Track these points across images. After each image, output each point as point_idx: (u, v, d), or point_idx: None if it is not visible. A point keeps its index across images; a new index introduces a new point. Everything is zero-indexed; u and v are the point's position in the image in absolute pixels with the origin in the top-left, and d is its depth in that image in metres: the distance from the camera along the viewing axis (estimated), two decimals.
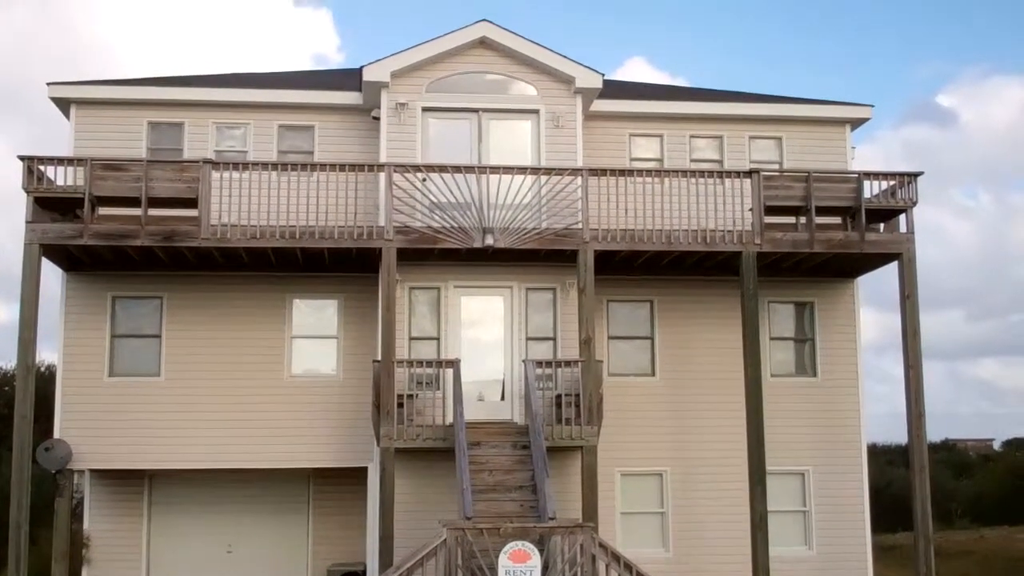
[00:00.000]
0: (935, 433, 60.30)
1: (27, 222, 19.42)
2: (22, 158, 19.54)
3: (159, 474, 22.56)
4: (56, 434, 20.96)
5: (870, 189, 21.20)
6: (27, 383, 19.10)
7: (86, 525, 22.22)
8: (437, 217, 20.19)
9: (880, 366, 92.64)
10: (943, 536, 28.21)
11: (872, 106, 23.68)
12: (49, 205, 19.98)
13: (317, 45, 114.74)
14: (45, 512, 21.57)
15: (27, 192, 19.53)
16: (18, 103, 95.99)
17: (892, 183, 21.29)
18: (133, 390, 21.32)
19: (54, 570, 20.31)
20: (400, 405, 19.57)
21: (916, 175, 21.08)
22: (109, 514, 22.33)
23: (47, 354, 34.38)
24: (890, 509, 32.32)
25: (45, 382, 26.03)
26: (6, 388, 36.88)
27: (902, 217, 21.30)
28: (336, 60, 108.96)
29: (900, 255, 20.98)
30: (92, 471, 21.91)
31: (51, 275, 21.28)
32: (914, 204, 21.04)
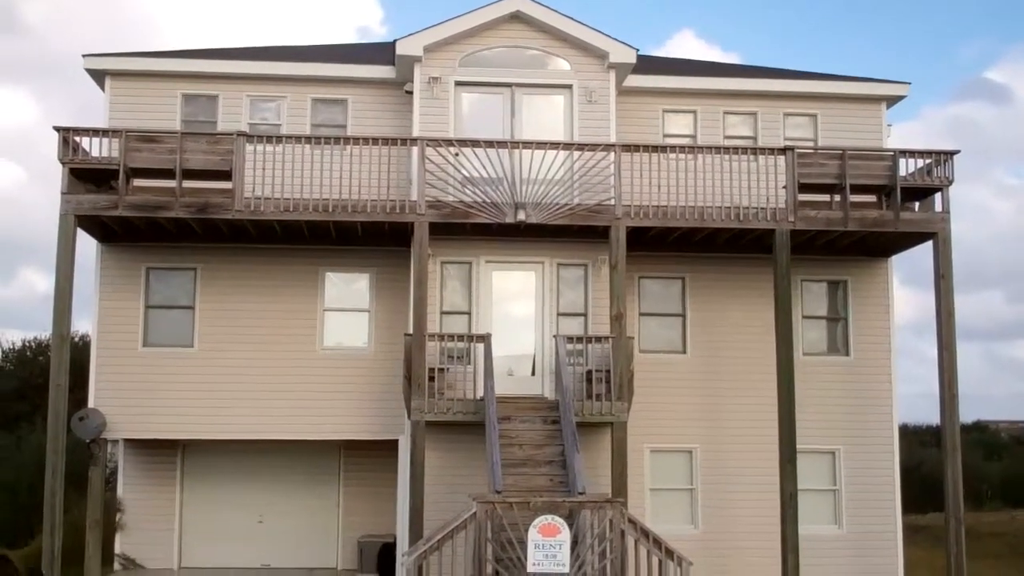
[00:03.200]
0: (968, 414, 59.83)
1: (62, 193, 19.56)
2: (57, 129, 19.65)
3: (192, 444, 22.75)
4: (90, 404, 21.17)
5: (906, 167, 21.01)
6: (62, 352, 19.27)
7: (119, 493, 22.48)
8: (469, 192, 20.18)
9: (918, 346, 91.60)
10: (974, 517, 28.06)
11: (909, 83, 23.45)
12: (84, 176, 20.11)
13: (360, 18, 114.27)
14: (79, 480, 21.81)
15: (63, 163, 19.66)
16: (60, 74, 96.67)
17: (928, 161, 21.08)
18: (167, 361, 21.49)
19: (88, 537, 20.55)
20: (431, 378, 19.64)
21: (952, 153, 20.87)
22: (142, 483, 22.58)
23: (82, 324, 34.74)
24: (921, 490, 32.20)
25: (80, 352, 26.28)
26: (41, 358, 37.28)
27: (938, 196, 21.10)
28: (379, 33, 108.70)
29: (935, 234, 20.79)
30: (125, 440, 22.14)
31: (87, 246, 21.48)
32: (950, 183, 20.84)
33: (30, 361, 38.88)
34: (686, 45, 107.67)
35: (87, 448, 21.10)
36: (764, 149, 21.13)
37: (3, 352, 40.56)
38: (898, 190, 20.62)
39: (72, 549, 20.11)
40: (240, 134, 19.96)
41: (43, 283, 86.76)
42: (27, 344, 40.24)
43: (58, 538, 18.81)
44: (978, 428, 58.67)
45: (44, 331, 40.33)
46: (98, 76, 22.30)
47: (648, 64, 23.38)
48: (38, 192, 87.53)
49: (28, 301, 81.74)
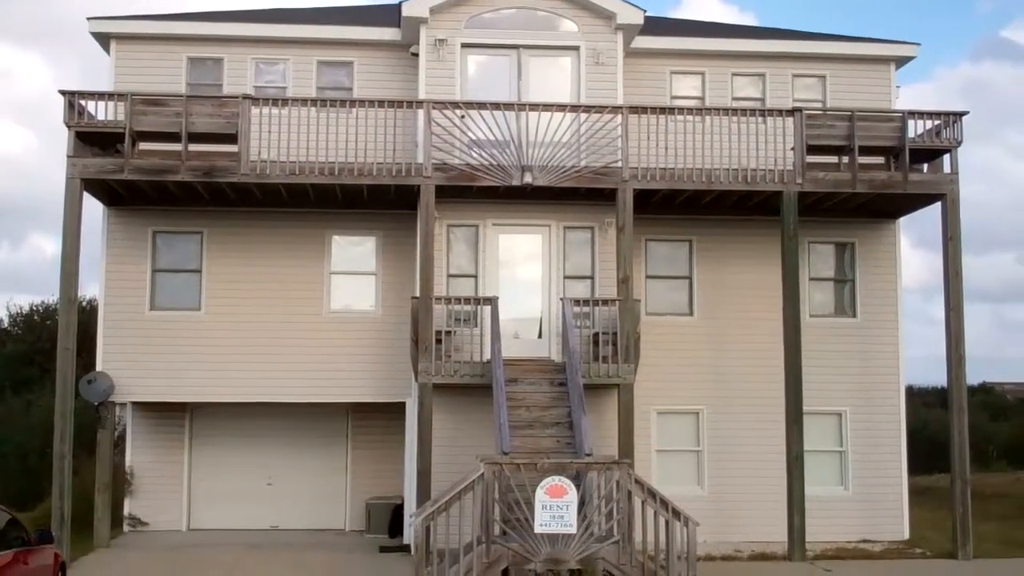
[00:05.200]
0: (976, 376, 59.61)
1: (68, 156, 19.53)
2: (63, 92, 19.60)
3: (200, 407, 22.86)
4: (98, 367, 21.25)
5: (914, 128, 20.93)
6: (69, 315, 19.32)
7: (128, 457, 22.65)
8: (475, 155, 20.11)
9: (927, 309, 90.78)
10: (979, 478, 28.05)
11: (918, 44, 23.29)
12: (90, 140, 20.09)
13: None
14: (88, 444, 21.90)
15: (68, 127, 19.62)
16: (70, 38, 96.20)
17: (937, 123, 20.97)
18: (174, 324, 21.54)
19: (97, 500, 20.69)
20: (438, 341, 19.67)
21: (961, 114, 20.76)
22: (151, 446, 22.74)
23: (90, 289, 34.75)
24: (927, 451, 32.22)
25: (88, 316, 26.35)
26: (49, 322, 37.33)
27: (946, 157, 21.04)
28: None
29: (944, 196, 20.74)
30: (133, 403, 22.24)
31: (94, 211, 21.45)
32: (959, 144, 20.74)
33: (38, 325, 38.90)
34: (703, 4, 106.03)
35: (95, 411, 21.20)
36: (772, 111, 21.04)
37: (11, 316, 40.63)
38: (906, 152, 20.55)
39: (81, 512, 20.22)
40: (245, 97, 19.90)
41: (51, 248, 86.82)
42: (35, 308, 40.22)
43: (67, 501, 18.92)
44: (984, 390, 58.64)
45: (52, 295, 40.31)
46: (103, 39, 22.21)
47: (656, 25, 23.23)
48: (48, 157, 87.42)
49: (37, 266, 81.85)
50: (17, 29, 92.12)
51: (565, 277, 21.44)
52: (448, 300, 20.25)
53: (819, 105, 22.81)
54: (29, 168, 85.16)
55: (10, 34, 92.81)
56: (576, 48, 21.79)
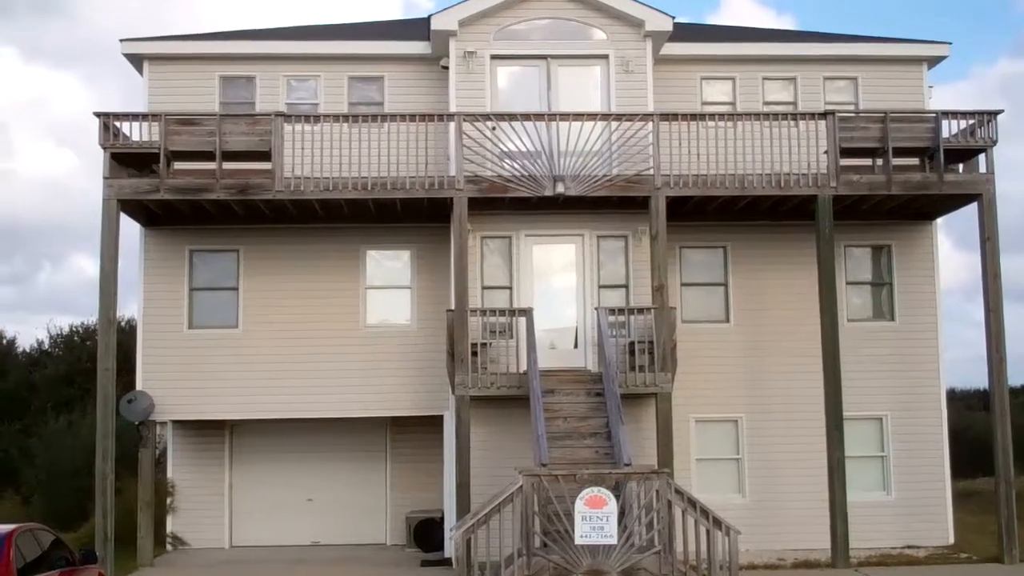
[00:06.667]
0: (1018, 377, 58.60)
1: (105, 178, 19.72)
2: (98, 114, 19.79)
3: (240, 424, 22.97)
4: (138, 386, 21.39)
5: (948, 129, 20.75)
6: (109, 336, 19.48)
7: (170, 474, 22.76)
8: (507, 166, 20.13)
9: (969, 310, 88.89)
10: None
11: (949, 43, 23.08)
12: (126, 161, 20.26)
13: None
14: (130, 463, 22.07)
15: (104, 148, 19.81)
16: (107, 59, 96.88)
17: (971, 122, 20.78)
18: (212, 342, 21.67)
19: (139, 518, 20.80)
20: (474, 353, 19.67)
21: (996, 113, 20.57)
22: (192, 463, 22.86)
23: (128, 308, 35.01)
24: (969, 454, 31.83)
25: (127, 336, 26.52)
26: (89, 343, 37.64)
27: (982, 157, 20.85)
28: (425, 7, 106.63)
29: (980, 196, 20.55)
30: (174, 422, 22.38)
31: (132, 231, 21.64)
32: (994, 143, 20.55)
33: (78, 346, 39.20)
34: (740, 9, 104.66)
35: (136, 431, 21.35)
36: (804, 114, 20.91)
37: (51, 337, 40.98)
38: (941, 152, 20.39)
39: (125, 531, 20.37)
40: (278, 114, 20.01)
41: (91, 269, 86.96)
42: (75, 329, 40.54)
43: (110, 520, 19.05)
44: None
45: (92, 316, 40.61)
46: (136, 61, 22.43)
47: (685, 32, 23.17)
48: (87, 178, 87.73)
49: (77, 287, 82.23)
50: (55, 52, 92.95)
51: (600, 286, 21.39)
52: (483, 312, 20.25)
53: (851, 107, 22.64)
54: (69, 189, 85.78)
55: (49, 57, 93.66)
56: (605, 57, 21.78)
